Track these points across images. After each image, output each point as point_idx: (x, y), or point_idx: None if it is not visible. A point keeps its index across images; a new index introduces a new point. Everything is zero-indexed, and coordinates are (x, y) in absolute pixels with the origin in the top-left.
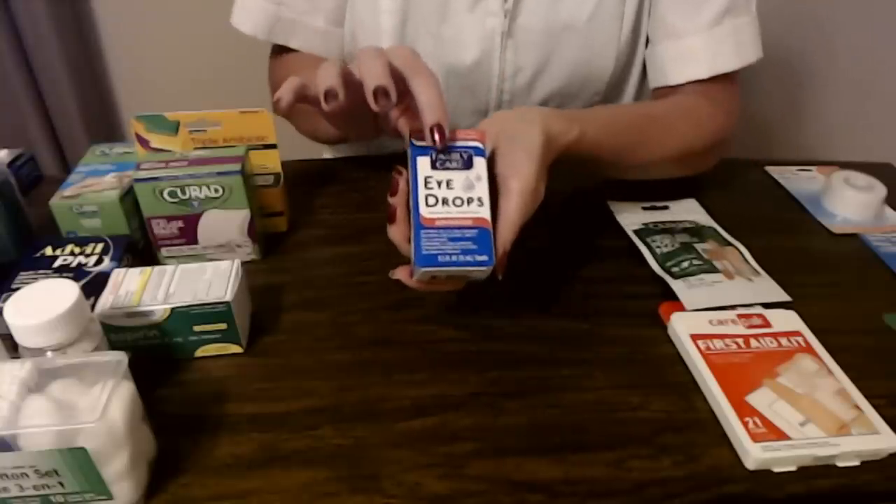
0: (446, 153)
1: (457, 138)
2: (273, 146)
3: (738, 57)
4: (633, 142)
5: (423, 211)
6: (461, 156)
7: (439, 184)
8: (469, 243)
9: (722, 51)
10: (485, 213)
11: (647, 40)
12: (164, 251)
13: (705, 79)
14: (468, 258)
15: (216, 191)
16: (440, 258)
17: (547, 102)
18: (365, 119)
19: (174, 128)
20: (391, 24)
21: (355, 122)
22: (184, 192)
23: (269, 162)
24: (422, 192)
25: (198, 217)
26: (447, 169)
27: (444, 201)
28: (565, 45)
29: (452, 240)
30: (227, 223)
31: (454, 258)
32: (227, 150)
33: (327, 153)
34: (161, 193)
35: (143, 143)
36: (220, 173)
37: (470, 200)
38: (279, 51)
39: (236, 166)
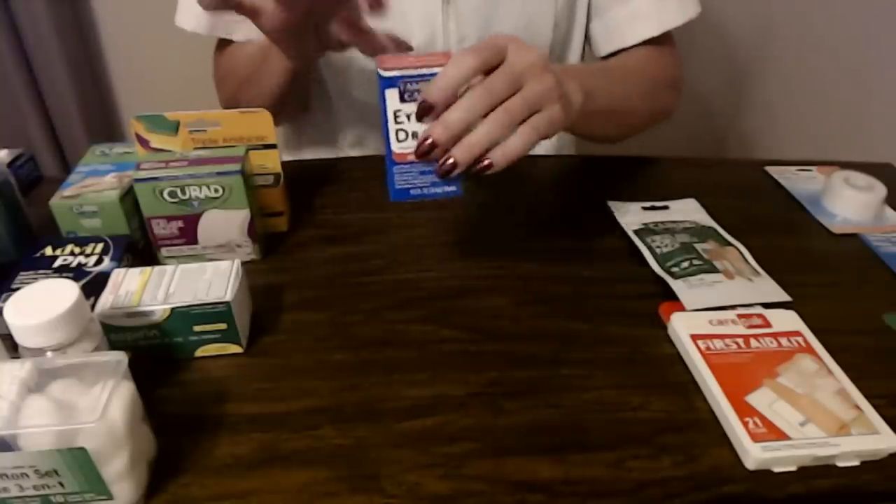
0: (414, 82)
1: (423, 64)
2: (273, 146)
3: (682, 13)
4: (623, 92)
5: (395, 147)
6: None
7: (409, 117)
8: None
9: (668, 8)
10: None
11: (589, 14)
12: (164, 251)
13: (654, 37)
14: (438, 190)
15: (216, 191)
16: (412, 192)
17: None
18: (305, 32)
19: (174, 128)
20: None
21: (295, 37)
22: (184, 192)
23: (269, 162)
24: (392, 126)
25: (198, 217)
26: (416, 101)
27: (415, 134)
28: (503, 13)
29: (423, 173)
30: (227, 223)
31: (425, 191)
32: (227, 150)
33: (327, 153)
34: (161, 193)
35: (143, 142)
36: (220, 173)
37: None
38: (222, 45)
39: (236, 166)
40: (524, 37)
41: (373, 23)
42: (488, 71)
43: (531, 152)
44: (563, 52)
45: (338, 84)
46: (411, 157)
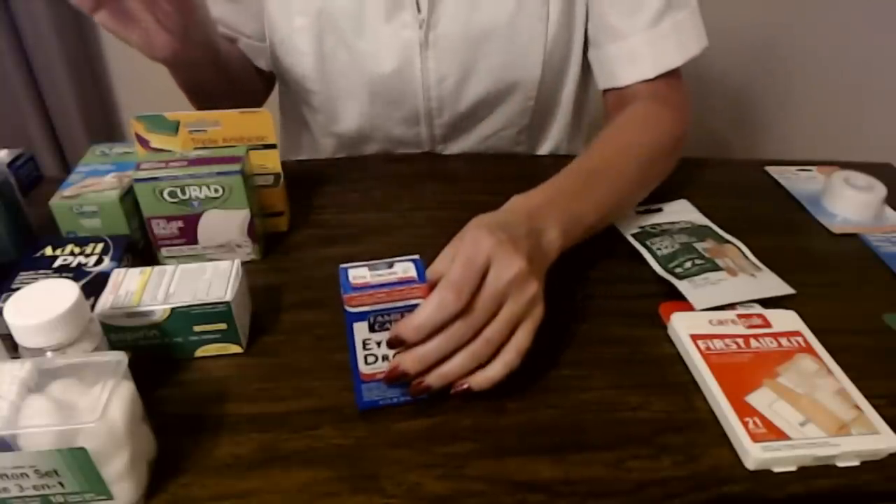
0: (385, 315)
1: (396, 298)
2: (273, 146)
3: (680, 53)
4: (615, 191)
5: (363, 368)
6: (402, 315)
7: (378, 343)
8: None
9: (665, 48)
10: None
11: (587, 43)
12: (164, 251)
13: (652, 78)
14: (408, 397)
15: (216, 191)
16: (381, 402)
17: (476, 109)
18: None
19: (174, 128)
20: (307, 40)
21: (133, 23)
22: (184, 192)
23: (269, 162)
24: (360, 352)
25: (198, 217)
26: (386, 330)
27: (385, 357)
28: (487, 51)
29: (393, 386)
30: (227, 223)
31: (394, 399)
32: (227, 150)
33: (328, 153)
34: (161, 193)
35: (143, 142)
36: (219, 173)
37: None
38: None
39: (236, 166)
40: (510, 75)
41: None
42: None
43: (531, 152)
44: (555, 87)
45: (318, 123)
46: (380, 376)
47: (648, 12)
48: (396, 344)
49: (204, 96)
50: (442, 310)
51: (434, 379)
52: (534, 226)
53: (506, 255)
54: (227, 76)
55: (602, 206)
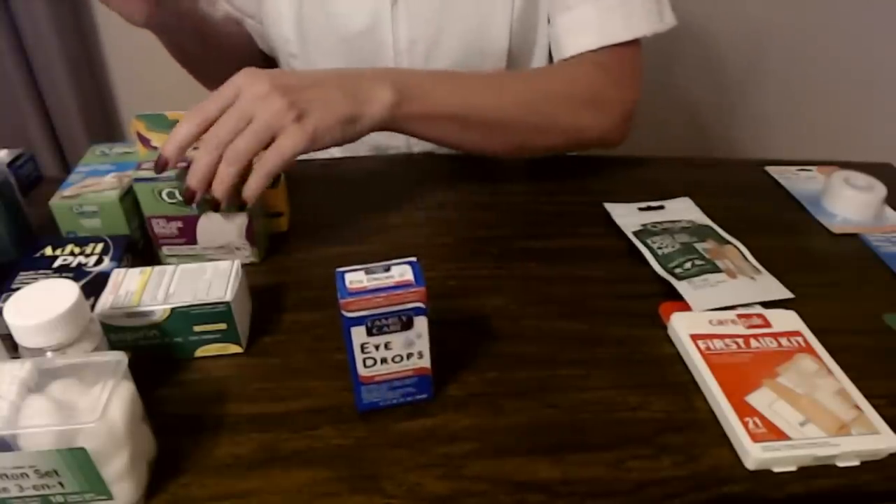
0: (383, 319)
1: (392, 302)
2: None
3: (627, 29)
4: (493, 101)
5: (361, 371)
6: (400, 319)
7: (377, 347)
8: (409, 388)
9: (612, 21)
10: (425, 362)
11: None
12: (164, 250)
13: (598, 50)
14: (409, 398)
15: None
16: (381, 403)
17: None
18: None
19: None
20: (287, 2)
21: None
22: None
23: None
24: (359, 356)
25: (196, 218)
26: (384, 333)
27: (384, 360)
28: (455, 16)
29: (392, 388)
30: (225, 226)
31: (394, 400)
32: None
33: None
34: (160, 194)
35: (145, 141)
36: None
37: (410, 355)
38: None
39: None
40: (478, 43)
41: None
42: None
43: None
44: (525, 57)
45: None
46: (379, 378)
47: None
48: (162, 168)
49: (193, 66)
50: (189, 124)
51: (215, 191)
52: (360, 81)
53: (254, 81)
54: (221, 51)
55: (468, 106)
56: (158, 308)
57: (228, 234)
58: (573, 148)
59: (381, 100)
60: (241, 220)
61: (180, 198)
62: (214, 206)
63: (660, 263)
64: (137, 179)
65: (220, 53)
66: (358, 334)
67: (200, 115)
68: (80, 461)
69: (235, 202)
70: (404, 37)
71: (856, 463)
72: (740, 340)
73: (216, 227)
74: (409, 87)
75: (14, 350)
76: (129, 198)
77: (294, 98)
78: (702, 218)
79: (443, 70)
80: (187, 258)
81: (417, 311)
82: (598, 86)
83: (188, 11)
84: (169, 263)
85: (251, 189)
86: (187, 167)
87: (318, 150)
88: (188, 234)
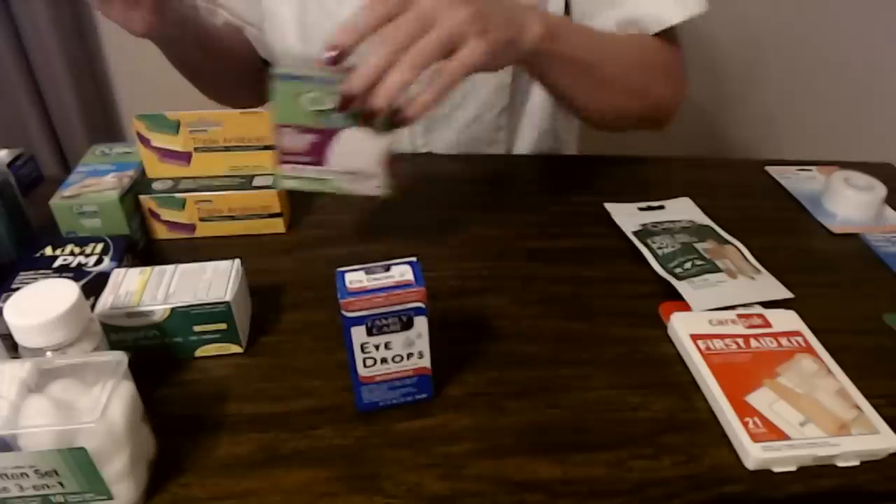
0: (383, 318)
1: (393, 302)
2: (273, 147)
3: (679, 11)
4: (609, 52)
5: (361, 371)
6: (400, 319)
7: (377, 347)
8: (409, 388)
9: (664, 7)
10: (425, 362)
11: (568, 13)
12: (285, 168)
13: (669, 30)
14: (409, 398)
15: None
16: (381, 403)
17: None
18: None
19: (175, 127)
20: (289, 9)
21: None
22: (330, 101)
23: (269, 162)
24: (359, 356)
25: (333, 133)
26: (384, 333)
27: (383, 360)
28: None
29: (392, 388)
30: (365, 147)
31: (394, 400)
32: None
33: None
34: (300, 98)
35: (145, 141)
36: None
37: (410, 355)
38: None
39: None
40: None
41: None
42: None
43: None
44: None
45: None
46: (379, 378)
47: None
48: (337, 58)
49: (194, 74)
50: (370, 15)
51: (378, 98)
52: (514, 8)
53: None
54: (221, 60)
55: (591, 50)
56: (158, 308)
57: (366, 158)
58: (644, 119)
59: (533, 30)
60: (383, 143)
61: (326, 105)
62: (367, 118)
63: (660, 263)
64: (282, 76)
65: (220, 63)
66: (358, 334)
67: (382, 7)
68: (80, 461)
69: (389, 119)
70: None
71: (856, 463)
72: (740, 340)
73: (354, 148)
74: (555, 25)
75: (14, 350)
76: (129, 197)
77: (477, 9)
78: (702, 218)
79: (565, 17)
80: (307, 181)
81: (417, 311)
82: (669, 58)
83: (189, 21)
84: (284, 187)
85: (421, 105)
86: (343, 70)
87: (490, 71)
88: (320, 150)
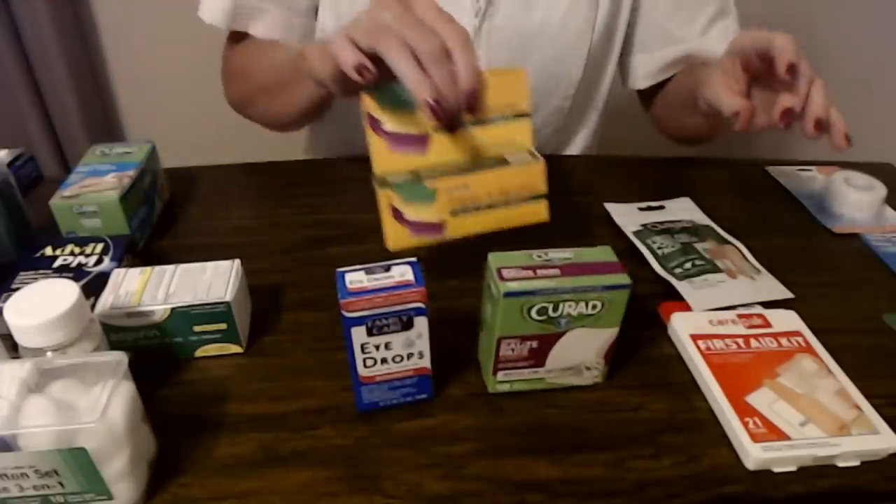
0: (383, 319)
1: (393, 302)
2: (526, 115)
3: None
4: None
5: (362, 371)
6: (400, 319)
7: (377, 347)
8: (409, 388)
9: (717, 51)
10: (425, 362)
11: (625, 48)
12: (500, 375)
13: None
14: (409, 398)
15: (594, 307)
16: (381, 403)
17: None
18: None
19: (411, 103)
20: None
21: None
22: (556, 309)
23: (520, 135)
24: (359, 356)
25: (558, 337)
26: (384, 333)
27: (384, 360)
28: (536, 47)
29: (393, 388)
30: (587, 343)
31: (394, 400)
32: (592, 252)
33: (326, 153)
34: (529, 311)
35: (375, 125)
36: (606, 287)
37: (410, 356)
38: (235, 39)
39: (623, 277)
40: (555, 72)
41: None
42: None
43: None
44: (593, 86)
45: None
46: (379, 378)
47: (703, 19)
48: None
49: (294, 107)
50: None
51: (453, 93)
52: None
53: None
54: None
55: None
56: (158, 308)
57: (586, 353)
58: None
59: None
60: (608, 335)
61: (551, 314)
62: (452, 125)
63: (660, 263)
64: (509, 293)
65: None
66: (358, 334)
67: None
68: (80, 461)
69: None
70: (482, 63)
71: (856, 463)
72: (740, 340)
73: (577, 346)
74: None
75: (14, 350)
76: (128, 197)
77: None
78: (702, 218)
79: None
80: (522, 382)
81: (417, 311)
82: None
83: None
84: (498, 392)
85: (465, 79)
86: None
87: None
88: (540, 355)
